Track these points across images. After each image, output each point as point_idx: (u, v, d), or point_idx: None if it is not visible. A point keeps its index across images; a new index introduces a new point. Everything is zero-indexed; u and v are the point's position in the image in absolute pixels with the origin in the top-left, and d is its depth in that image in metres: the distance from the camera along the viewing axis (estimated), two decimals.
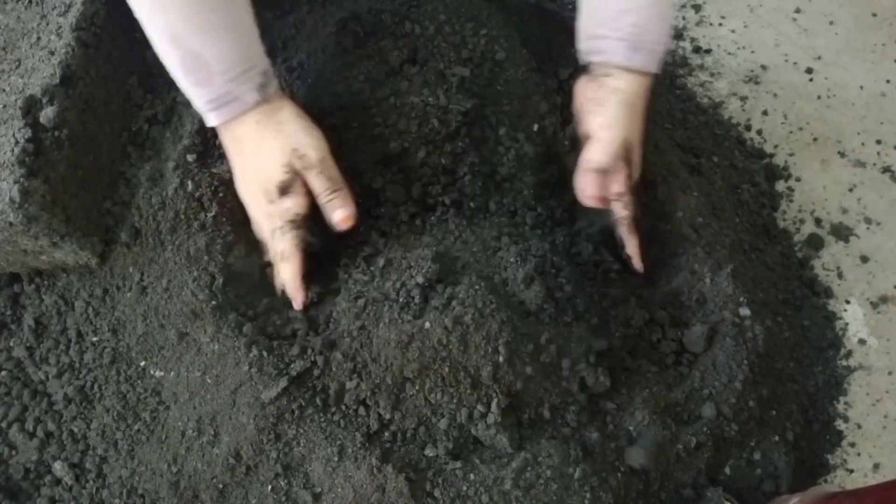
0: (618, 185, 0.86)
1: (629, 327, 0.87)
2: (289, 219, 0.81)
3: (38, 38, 0.84)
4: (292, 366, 0.79)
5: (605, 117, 0.84)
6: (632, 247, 0.89)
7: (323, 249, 0.86)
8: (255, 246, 0.86)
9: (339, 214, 0.82)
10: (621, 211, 0.87)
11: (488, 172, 0.92)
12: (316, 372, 0.78)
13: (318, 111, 0.88)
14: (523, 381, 0.77)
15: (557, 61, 1.01)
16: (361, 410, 0.77)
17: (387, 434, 0.77)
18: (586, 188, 0.86)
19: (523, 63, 0.97)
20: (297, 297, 0.83)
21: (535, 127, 0.94)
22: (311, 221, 0.83)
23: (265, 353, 0.79)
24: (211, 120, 0.79)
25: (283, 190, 0.80)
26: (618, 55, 0.83)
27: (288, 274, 0.82)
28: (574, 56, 0.90)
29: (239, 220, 0.87)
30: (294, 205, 0.80)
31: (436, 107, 0.89)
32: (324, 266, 0.87)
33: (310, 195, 0.82)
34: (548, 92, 0.98)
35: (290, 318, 0.84)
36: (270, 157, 0.80)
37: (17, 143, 0.77)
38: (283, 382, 0.77)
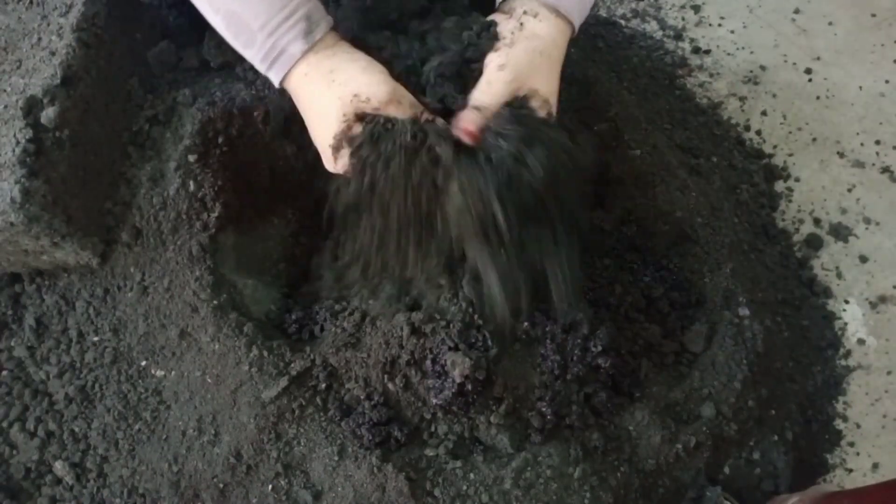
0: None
1: (629, 328, 0.87)
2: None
3: (39, 39, 0.85)
4: (292, 365, 0.79)
5: (509, 59, 0.73)
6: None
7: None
8: (255, 245, 0.86)
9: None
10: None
11: None
12: (315, 371, 0.79)
13: None
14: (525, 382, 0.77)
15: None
16: (361, 410, 0.77)
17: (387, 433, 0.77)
18: (465, 124, 0.73)
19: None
20: None
21: None
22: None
23: (265, 353, 0.80)
24: (273, 79, 0.74)
25: (339, 148, 0.72)
26: None
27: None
28: None
29: (241, 219, 0.88)
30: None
31: None
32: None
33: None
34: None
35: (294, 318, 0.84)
36: (327, 113, 0.72)
37: (18, 143, 0.77)
38: (284, 382, 0.77)
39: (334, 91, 0.71)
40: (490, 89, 0.73)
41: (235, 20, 0.71)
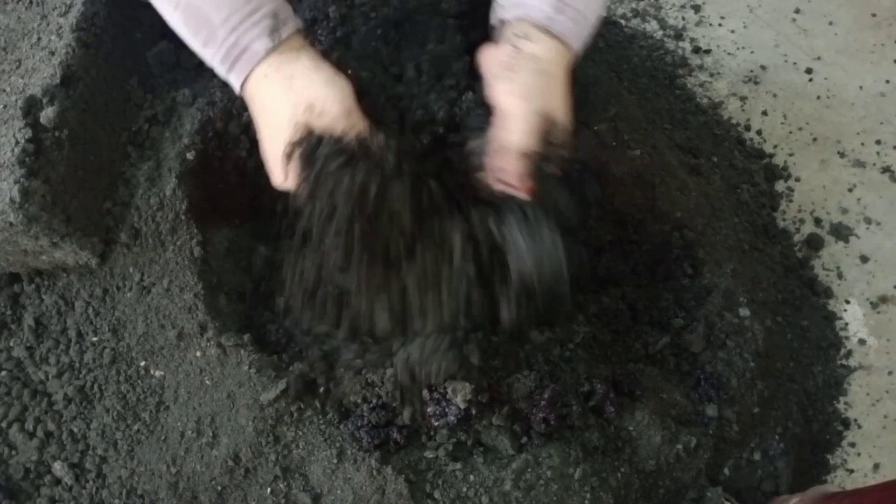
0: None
1: (629, 328, 0.87)
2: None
3: (39, 39, 0.84)
4: (291, 367, 0.79)
5: (518, 85, 0.70)
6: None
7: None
8: (255, 247, 0.86)
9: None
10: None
11: None
12: (314, 375, 0.78)
13: None
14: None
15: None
16: (360, 412, 0.77)
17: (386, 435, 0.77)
18: (505, 170, 0.71)
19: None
20: None
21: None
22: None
23: (264, 355, 0.79)
24: (233, 83, 0.69)
25: (290, 157, 0.68)
26: (540, 11, 0.71)
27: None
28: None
29: (240, 220, 0.87)
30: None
31: None
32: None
33: None
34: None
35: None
36: (279, 120, 0.68)
37: (17, 143, 0.77)
38: (282, 384, 0.77)
39: (290, 97, 0.68)
40: (514, 124, 0.70)
41: (195, 15, 0.67)
